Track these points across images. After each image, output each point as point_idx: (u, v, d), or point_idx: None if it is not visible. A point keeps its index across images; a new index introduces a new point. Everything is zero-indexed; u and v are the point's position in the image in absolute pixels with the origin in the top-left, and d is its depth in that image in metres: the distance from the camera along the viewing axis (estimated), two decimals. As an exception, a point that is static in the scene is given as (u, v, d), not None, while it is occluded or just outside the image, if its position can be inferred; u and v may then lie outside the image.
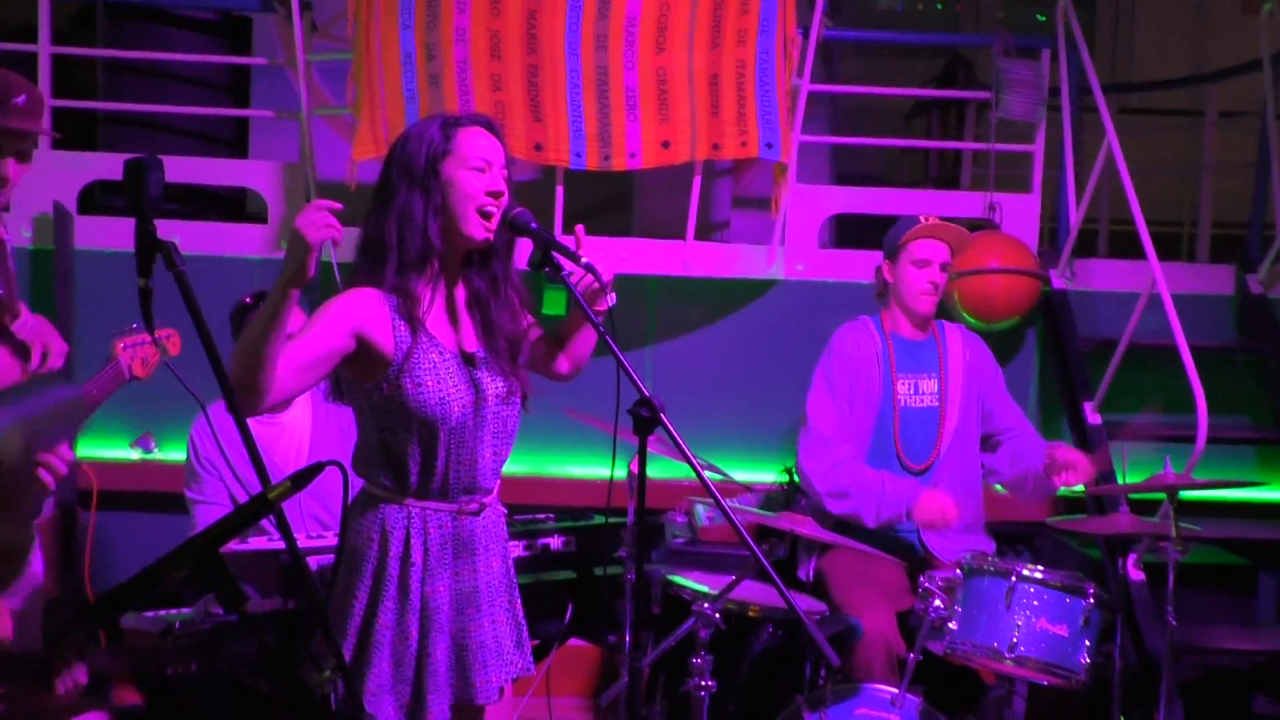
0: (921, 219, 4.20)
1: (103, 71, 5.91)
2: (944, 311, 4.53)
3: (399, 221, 2.60)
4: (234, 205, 5.94)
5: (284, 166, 5.36)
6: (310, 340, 2.51)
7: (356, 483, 2.76)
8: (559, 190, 5.14)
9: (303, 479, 1.77)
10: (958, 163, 7.35)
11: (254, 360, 2.40)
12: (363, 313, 2.57)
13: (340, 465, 1.96)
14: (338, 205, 2.37)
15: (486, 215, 2.65)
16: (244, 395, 2.41)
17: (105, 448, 5.26)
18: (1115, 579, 4.56)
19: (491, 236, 2.65)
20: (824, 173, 6.25)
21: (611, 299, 2.70)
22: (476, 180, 2.63)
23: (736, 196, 6.00)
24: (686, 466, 2.52)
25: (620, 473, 3.90)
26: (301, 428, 4.02)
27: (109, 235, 5.19)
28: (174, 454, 5.13)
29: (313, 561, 3.61)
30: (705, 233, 5.75)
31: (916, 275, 4.16)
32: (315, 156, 5.20)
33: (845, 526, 4.09)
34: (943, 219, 4.28)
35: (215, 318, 4.31)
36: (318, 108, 5.42)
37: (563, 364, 2.95)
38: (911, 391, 4.18)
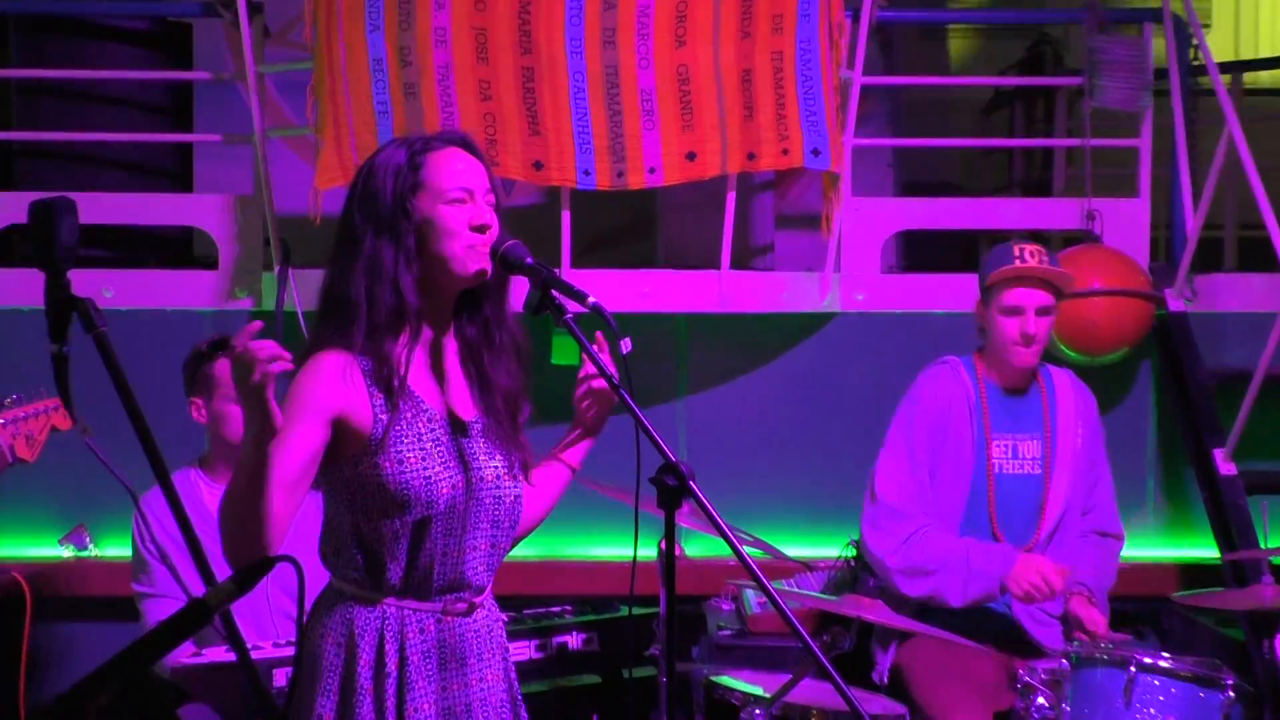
0: (1015, 253, 4.15)
1: (17, 95, 5.98)
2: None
3: (367, 274, 2.61)
4: (178, 248, 5.99)
5: (235, 200, 5.41)
6: (292, 451, 2.51)
7: (323, 575, 2.76)
8: (565, 216, 5.16)
9: (248, 578, 1.77)
10: (1048, 164, 7.34)
11: (250, 522, 2.44)
12: (337, 389, 2.57)
13: (294, 561, 1.96)
14: (257, 325, 2.35)
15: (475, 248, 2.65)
16: (251, 556, 2.44)
17: (30, 546, 5.28)
18: (1261, 664, 4.51)
19: (489, 268, 2.66)
20: (885, 182, 6.27)
21: (627, 345, 2.71)
22: (456, 214, 2.63)
23: (780, 215, 6.01)
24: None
25: (646, 553, 3.88)
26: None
27: (27, 290, 5.22)
28: (114, 549, 5.15)
29: (281, 674, 3.61)
30: (744, 260, 5.76)
31: (1007, 325, 4.13)
32: (272, 186, 5.24)
33: (926, 610, 4.08)
34: (1035, 236, 4.27)
35: (160, 382, 4.35)
36: (273, 128, 5.46)
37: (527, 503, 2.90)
38: (1009, 455, 4.16)
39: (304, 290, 5.09)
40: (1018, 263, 4.11)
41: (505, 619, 2.88)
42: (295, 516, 2.54)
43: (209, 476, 4.08)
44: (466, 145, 2.72)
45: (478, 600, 2.74)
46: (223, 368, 4.01)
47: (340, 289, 2.64)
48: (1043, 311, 4.13)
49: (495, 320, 2.75)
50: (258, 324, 2.35)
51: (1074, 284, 4.22)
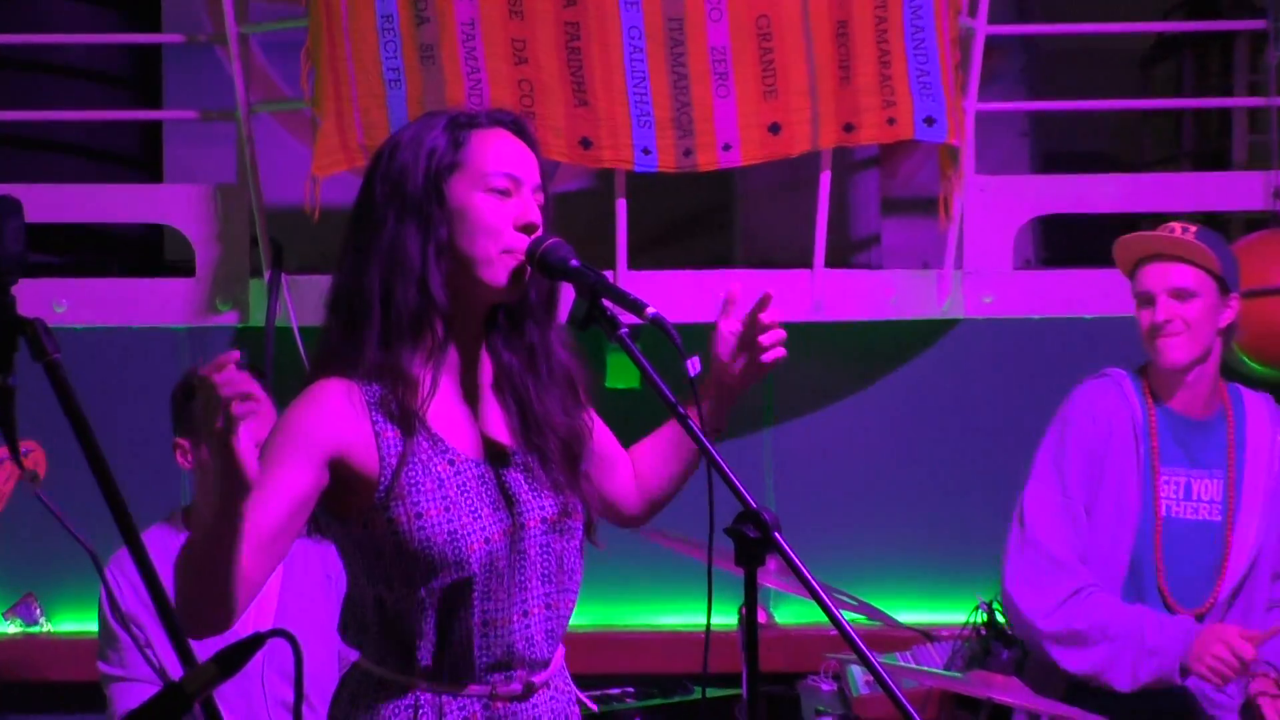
0: (1171, 230, 4.15)
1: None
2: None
3: (386, 268, 2.62)
4: (146, 251, 6.04)
5: (215, 191, 5.46)
6: (271, 501, 2.52)
7: (349, 653, 2.79)
8: (620, 205, 5.20)
9: (234, 659, 1.80)
10: (1225, 129, 7.31)
11: (212, 588, 2.45)
12: (333, 426, 2.58)
13: (290, 637, 1.98)
14: (233, 355, 2.33)
15: (515, 253, 2.66)
16: (213, 626, 2.47)
17: (-30, 620, 5.36)
18: None
19: (526, 285, 2.68)
20: (1020, 155, 6.25)
21: (696, 365, 2.73)
22: (498, 207, 2.65)
23: (887, 199, 6.01)
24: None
25: (723, 621, 3.89)
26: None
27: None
28: (70, 624, 5.22)
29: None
30: (842, 256, 5.77)
31: (1140, 316, 4.12)
32: (260, 174, 5.28)
33: (1075, 689, 4.07)
34: (1211, 218, 4.24)
35: (127, 417, 4.38)
36: (261, 102, 5.52)
37: (631, 496, 2.98)
38: (1180, 495, 4.13)
39: (300, 300, 5.13)
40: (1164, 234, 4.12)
41: (574, 696, 2.88)
42: (270, 574, 2.55)
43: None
44: (518, 128, 2.74)
45: (537, 679, 2.72)
46: None
47: (351, 284, 2.65)
48: (1179, 295, 4.05)
49: (542, 346, 2.76)
50: (235, 354, 2.33)
51: (1204, 254, 4.10)
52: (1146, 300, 4.09)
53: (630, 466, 2.99)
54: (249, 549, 2.46)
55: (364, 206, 2.69)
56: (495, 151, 2.67)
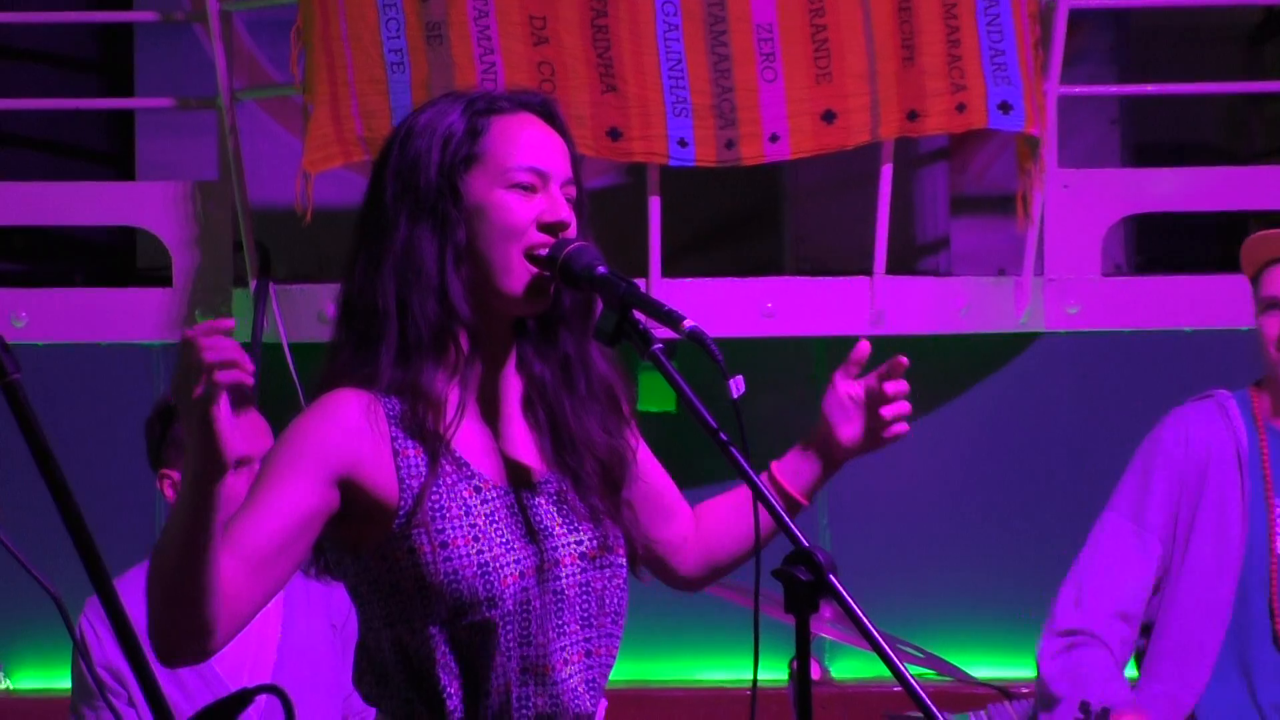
0: None
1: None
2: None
3: (400, 277, 2.61)
4: (116, 257, 6.06)
5: (194, 189, 5.49)
6: (268, 516, 2.50)
7: (354, 712, 2.80)
8: (653, 204, 5.22)
9: (217, 718, 1.81)
10: (1344, 115, 7.31)
11: (185, 592, 2.40)
12: (348, 441, 2.57)
13: (280, 692, 1.99)
14: (227, 323, 2.29)
15: (540, 259, 2.65)
16: (187, 646, 2.43)
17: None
18: None
19: (549, 296, 2.68)
20: (1109, 146, 6.24)
21: (739, 385, 2.73)
22: (521, 204, 2.64)
23: (957, 196, 6.00)
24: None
25: (771, 676, 3.89)
26: (264, 614, 4.06)
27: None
28: (32, 681, 5.26)
29: None
30: (906, 261, 5.77)
31: (1265, 325, 4.12)
32: (244, 168, 5.30)
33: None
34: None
35: (95, 444, 4.37)
36: (246, 89, 5.54)
37: (687, 557, 2.95)
38: None
39: (289, 312, 5.14)
40: None
41: None
42: (263, 604, 2.53)
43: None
44: (546, 111, 2.72)
45: None
46: None
47: (363, 295, 2.63)
48: None
49: (578, 359, 2.74)
50: (229, 321, 2.29)
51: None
52: (1275, 305, 4.09)
53: (690, 516, 2.96)
54: (238, 571, 2.44)
55: (373, 204, 2.67)
56: (518, 142, 2.66)
